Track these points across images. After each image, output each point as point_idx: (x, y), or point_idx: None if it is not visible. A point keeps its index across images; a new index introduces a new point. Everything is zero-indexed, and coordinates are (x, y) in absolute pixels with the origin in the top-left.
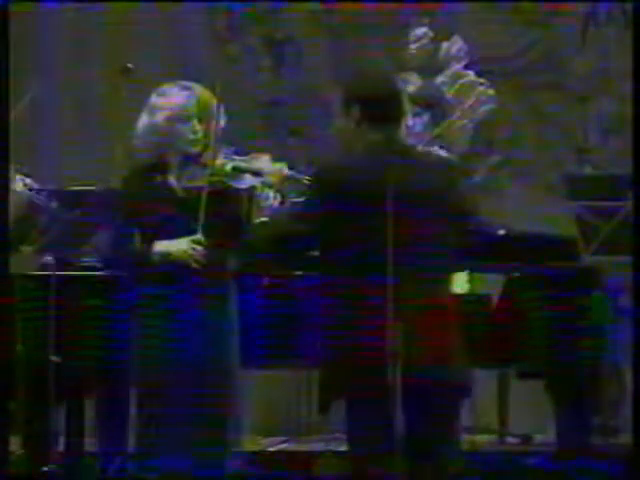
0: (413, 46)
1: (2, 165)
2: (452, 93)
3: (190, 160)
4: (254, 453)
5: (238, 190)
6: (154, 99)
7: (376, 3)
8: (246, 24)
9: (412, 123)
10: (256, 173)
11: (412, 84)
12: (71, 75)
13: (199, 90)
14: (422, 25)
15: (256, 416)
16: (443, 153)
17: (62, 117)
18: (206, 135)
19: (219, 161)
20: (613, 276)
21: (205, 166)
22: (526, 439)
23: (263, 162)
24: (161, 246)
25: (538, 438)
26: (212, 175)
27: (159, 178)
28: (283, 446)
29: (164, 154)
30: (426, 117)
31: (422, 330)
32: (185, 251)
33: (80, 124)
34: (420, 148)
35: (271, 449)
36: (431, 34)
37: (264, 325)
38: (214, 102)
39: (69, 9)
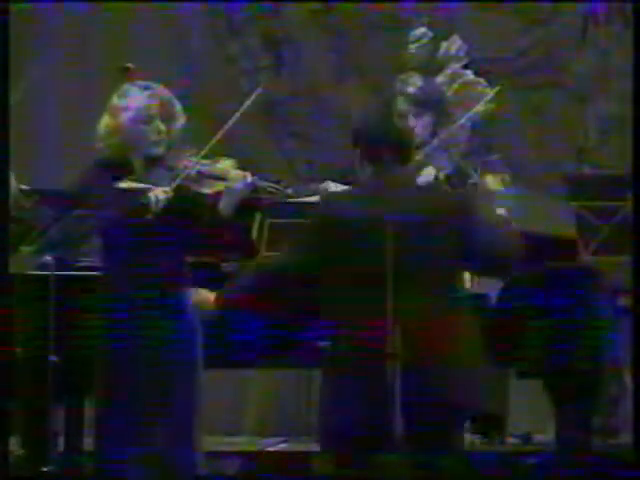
0: (412, 46)
1: (2, 165)
2: (451, 93)
3: (154, 161)
4: (254, 453)
5: (202, 195)
6: (116, 101)
7: (375, 3)
8: (246, 24)
9: (414, 124)
10: (220, 178)
11: (413, 84)
12: (71, 75)
13: (160, 90)
14: (421, 25)
15: (256, 416)
16: (431, 172)
17: (62, 117)
18: (168, 135)
19: (183, 163)
20: (613, 276)
21: (168, 168)
22: (526, 439)
23: (227, 167)
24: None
25: (538, 438)
26: (176, 178)
27: (124, 180)
28: (283, 446)
29: (127, 155)
30: (428, 118)
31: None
32: (156, 195)
33: (80, 124)
34: (425, 185)
35: (271, 449)
36: (430, 34)
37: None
38: (174, 102)
39: (69, 9)
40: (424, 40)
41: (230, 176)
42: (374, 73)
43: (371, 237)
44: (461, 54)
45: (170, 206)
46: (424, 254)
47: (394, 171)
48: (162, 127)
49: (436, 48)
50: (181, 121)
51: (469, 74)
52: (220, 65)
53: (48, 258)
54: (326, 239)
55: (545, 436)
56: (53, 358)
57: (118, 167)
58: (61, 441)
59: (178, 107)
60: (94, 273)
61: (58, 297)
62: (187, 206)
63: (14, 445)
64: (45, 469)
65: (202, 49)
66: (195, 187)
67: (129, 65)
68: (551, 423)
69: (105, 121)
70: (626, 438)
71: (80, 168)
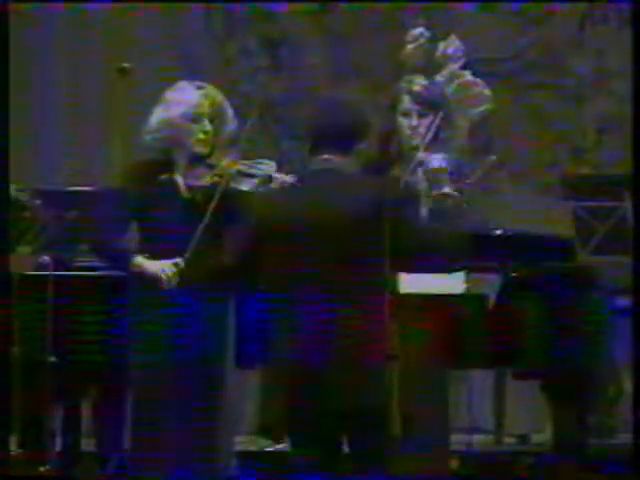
0: (410, 46)
1: (2, 165)
2: (449, 94)
3: (197, 160)
4: (254, 453)
5: (241, 192)
6: (170, 94)
7: (375, 3)
8: (244, 25)
9: (416, 124)
10: (262, 178)
11: (419, 84)
12: (70, 75)
13: (212, 91)
14: (419, 25)
15: (256, 416)
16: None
17: (61, 117)
18: (215, 136)
19: (225, 163)
20: (612, 276)
21: (211, 167)
22: (523, 439)
23: (270, 168)
24: (138, 261)
25: (535, 438)
26: (216, 176)
27: (165, 175)
28: (283, 446)
29: (173, 151)
30: (430, 118)
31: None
32: (164, 271)
33: (79, 124)
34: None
35: (271, 449)
36: (428, 34)
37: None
38: (226, 106)
39: (69, 9)
40: (422, 40)
41: (271, 177)
42: (372, 73)
43: (294, 232)
44: (459, 54)
45: (208, 203)
46: (347, 247)
47: (330, 162)
48: (209, 127)
49: (434, 48)
50: (231, 126)
51: (467, 74)
52: (219, 66)
53: (46, 258)
54: (260, 236)
55: (544, 436)
56: (52, 358)
57: (162, 162)
58: (59, 441)
59: (230, 112)
60: (93, 273)
61: (57, 297)
62: (227, 203)
63: (13, 445)
64: (44, 469)
65: (201, 50)
66: (234, 184)
67: (126, 65)
68: (549, 423)
69: (158, 114)
70: (626, 438)
71: (79, 168)
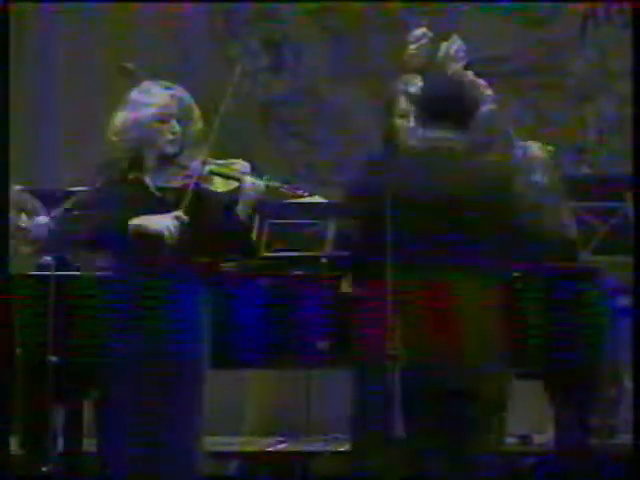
0: (412, 46)
1: (2, 165)
2: None
3: (166, 160)
4: (253, 453)
5: (212, 192)
6: (136, 95)
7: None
8: (245, 25)
9: (413, 125)
10: (234, 178)
11: (416, 85)
12: (71, 75)
13: (180, 91)
14: (421, 25)
15: (256, 416)
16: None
17: (61, 117)
18: (183, 137)
19: (195, 163)
20: (612, 276)
21: (181, 167)
22: (525, 439)
23: (243, 168)
24: (137, 222)
25: (537, 438)
26: (187, 177)
27: (135, 176)
28: (283, 446)
29: (142, 152)
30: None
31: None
32: (168, 226)
33: (79, 124)
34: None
35: (270, 449)
36: (430, 34)
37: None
38: (193, 105)
39: (69, 9)
40: (424, 41)
41: (244, 178)
42: (374, 73)
43: (406, 207)
44: (461, 54)
45: (179, 203)
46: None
47: (445, 140)
48: (178, 128)
49: (436, 49)
50: (198, 125)
51: (469, 74)
52: (220, 66)
53: (48, 258)
54: (364, 206)
55: (545, 436)
56: (53, 358)
57: (130, 163)
58: (61, 441)
59: (196, 111)
60: (93, 273)
61: (58, 297)
62: (199, 204)
63: (14, 445)
64: (45, 469)
65: (202, 50)
66: (206, 184)
67: (128, 65)
68: (551, 423)
69: (124, 115)
70: (626, 438)
71: (80, 169)
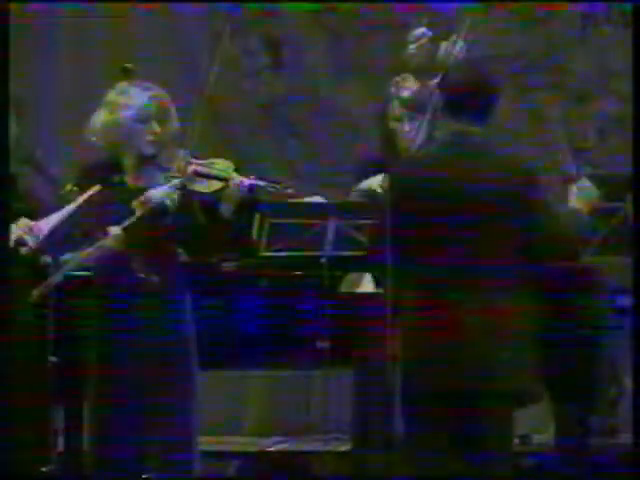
0: (412, 46)
1: (2, 165)
2: None
3: (146, 161)
4: (253, 453)
5: (195, 193)
6: (114, 97)
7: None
8: (245, 25)
9: (408, 128)
10: (218, 178)
11: (408, 88)
12: (71, 75)
13: (158, 91)
14: (420, 25)
15: (256, 416)
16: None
17: (62, 117)
18: (162, 136)
19: (179, 163)
20: (612, 276)
21: (160, 168)
22: (525, 439)
23: (226, 168)
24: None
25: (537, 438)
26: (171, 177)
27: (115, 177)
28: (283, 446)
29: (121, 153)
30: (419, 122)
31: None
32: (162, 196)
33: (80, 124)
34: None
35: (271, 449)
36: (430, 34)
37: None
38: (170, 104)
39: (69, 9)
40: (424, 40)
41: (229, 177)
42: (374, 73)
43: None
44: (461, 54)
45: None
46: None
47: (469, 132)
48: (157, 128)
49: (436, 48)
50: (175, 124)
51: None
52: (220, 66)
53: (48, 258)
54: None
55: (545, 436)
56: (53, 358)
57: (110, 165)
58: (61, 441)
59: (173, 110)
60: (92, 273)
61: (57, 298)
62: (185, 205)
63: (15, 445)
64: (45, 469)
65: (202, 50)
66: (192, 186)
67: (129, 66)
68: (551, 423)
69: (102, 116)
70: (626, 438)
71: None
